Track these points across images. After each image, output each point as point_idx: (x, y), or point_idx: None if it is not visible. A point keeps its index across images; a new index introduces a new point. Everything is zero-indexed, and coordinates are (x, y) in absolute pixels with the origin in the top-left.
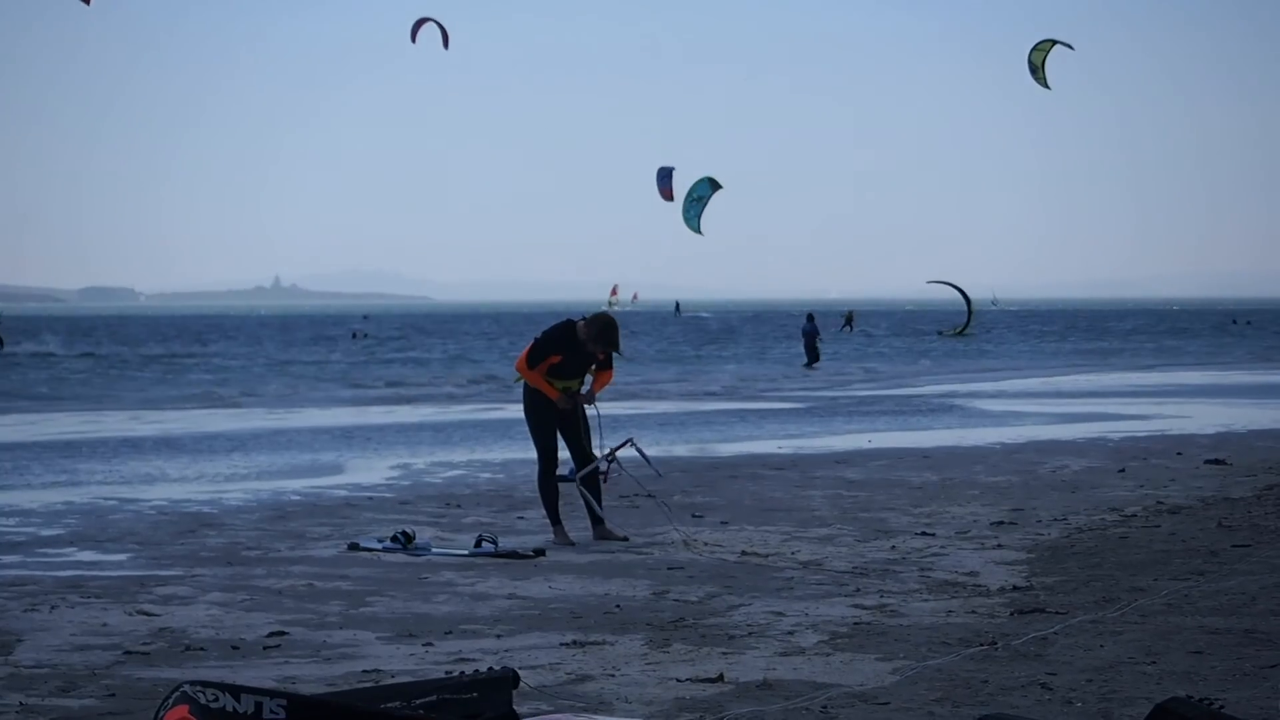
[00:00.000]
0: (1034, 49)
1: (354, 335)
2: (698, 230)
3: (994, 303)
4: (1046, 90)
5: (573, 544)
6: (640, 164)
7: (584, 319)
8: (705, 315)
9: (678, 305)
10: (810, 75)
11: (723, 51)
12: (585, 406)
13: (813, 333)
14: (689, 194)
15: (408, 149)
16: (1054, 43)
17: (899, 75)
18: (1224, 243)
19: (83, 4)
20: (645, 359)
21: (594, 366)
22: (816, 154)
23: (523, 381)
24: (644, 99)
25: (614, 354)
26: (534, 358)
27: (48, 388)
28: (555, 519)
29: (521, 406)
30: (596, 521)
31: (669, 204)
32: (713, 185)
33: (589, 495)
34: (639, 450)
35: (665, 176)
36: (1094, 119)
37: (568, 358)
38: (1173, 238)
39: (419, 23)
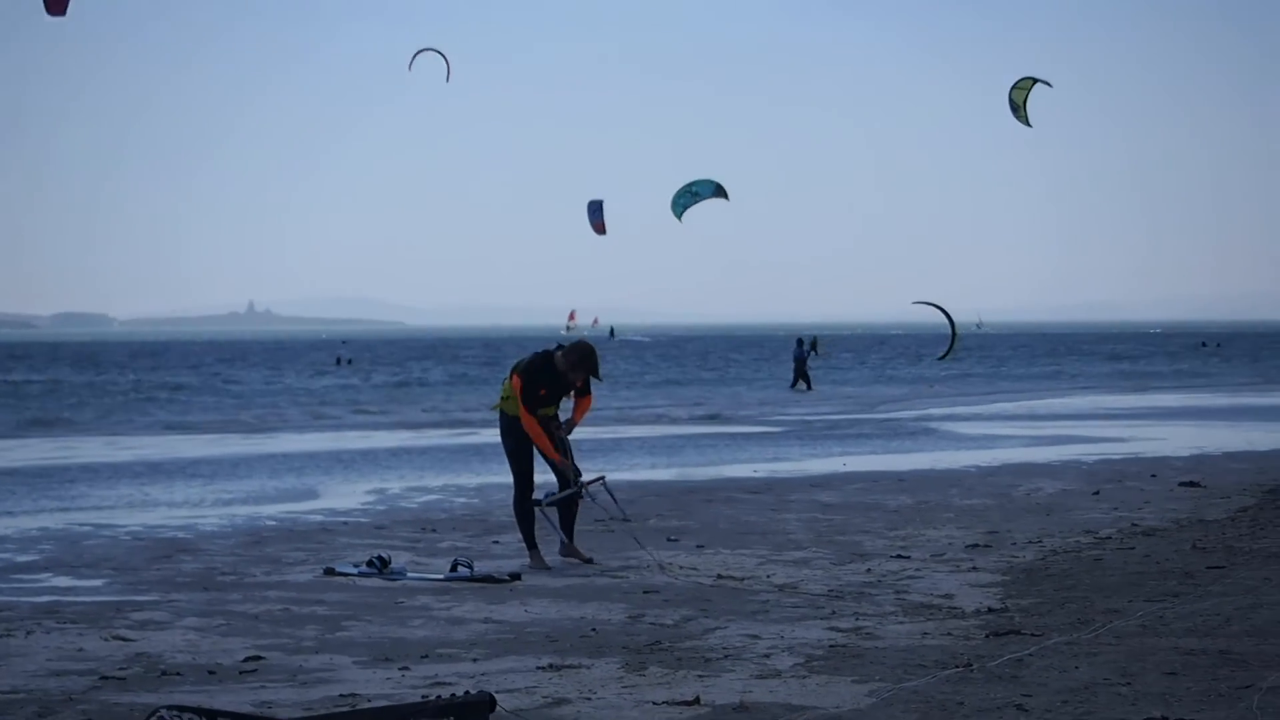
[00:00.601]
0: (1014, 87)
1: (338, 361)
2: (678, 217)
3: (979, 326)
4: (1028, 128)
5: (549, 568)
6: (619, 186)
7: (560, 348)
8: (642, 339)
9: (612, 330)
10: (780, 93)
11: (697, 73)
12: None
13: (802, 357)
14: (688, 185)
15: (382, 175)
16: (1034, 81)
17: (870, 95)
18: (1192, 268)
19: (51, 16)
20: (640, 384)
21: (573, 392)
22: (789, 174)
23: (499, 409)
24: (618, 119)
25: (592, 379)
26: (529, 400)
27: (63, 414)
28: (531, 543)
29: (499, 431)
30: (567, 535)
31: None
32: (717, 190)
33: (551, 518)
34: (608, 491)
35: (596, 210)
36: (1067, 148)
37: (550, 388)
38: (1147, 264)
39: (419, 53)
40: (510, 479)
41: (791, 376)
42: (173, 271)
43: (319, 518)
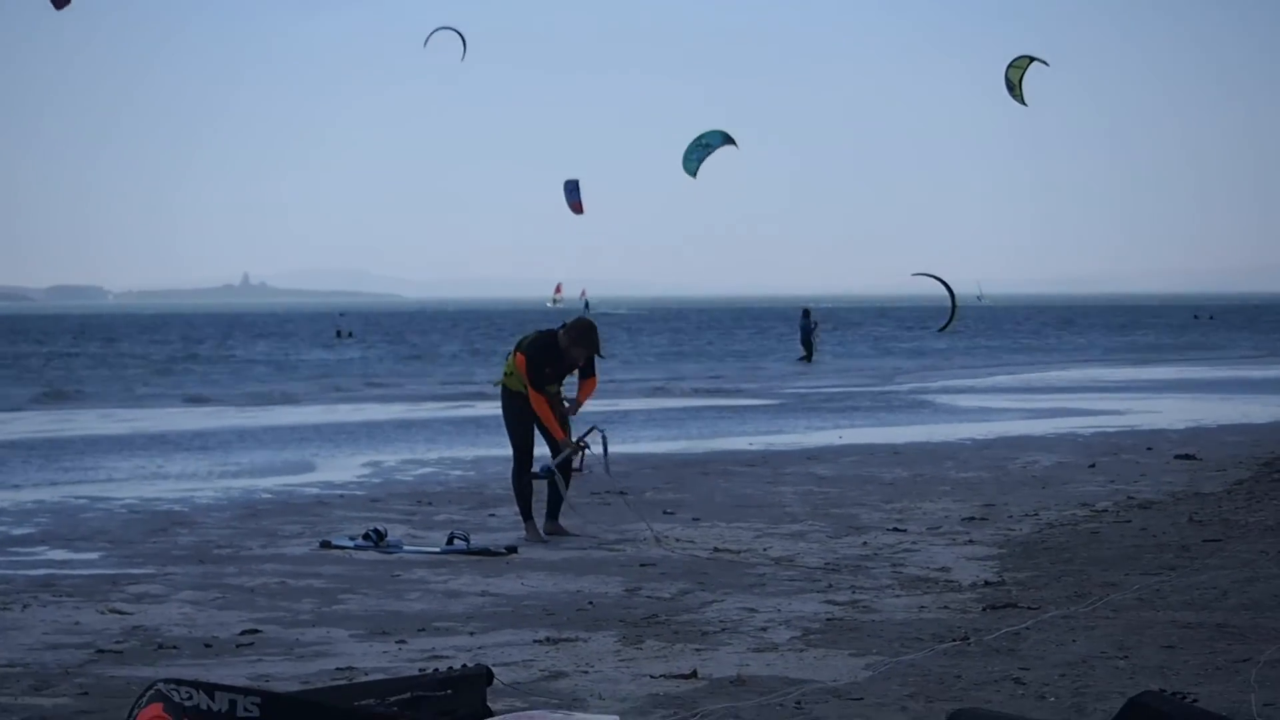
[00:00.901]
0: (1010, 66)
1: (338, 334)
2: (693, 174)
3: (979, 298)
4: (1024, 107)
5: (544, 540)
6: (607, 161)
7: (564, 326)
8: (619, 311)
9: (586, 302)
10: (772, 67)
11: (688, 48)
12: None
13: (809, 328)
14: (697, 139)
15: (373, 147)
16: (1031, 59)
17: (859, 69)
18: (1191, 240)
19: (54, 8)
20: (647, 358)
21: (577, 373)
22: (783, 148)
23: (502, 384)
24: (605, 95)
25: (595, 357)
26: (535, 379)
27: (78, 387)
28: (527, 515)
29: (500, 405)
30: (552, 515)
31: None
32: (725, 139)
33: (562, 483)
34: (604, 438)
35: (573, 189)
36: (1066, 120)
37: (554, 367)
38: (1143, 235)
39: (435, 31)
40: (510, 452)
41: (802, 350)
42: (166, 244)
43: (314, 490)
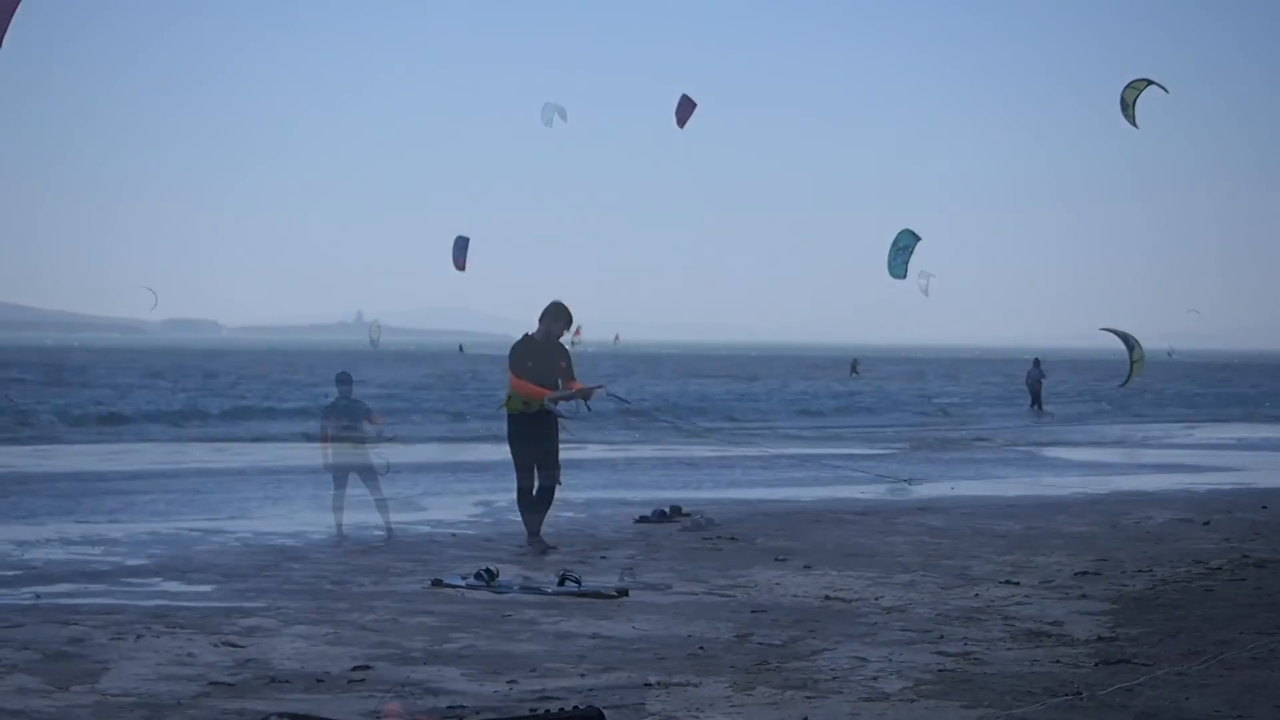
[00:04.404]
0: (1128, 86)
1: None
2: (902, 276)
3: (1170, 354)
4: (1135, 128)
5: (552, 548)
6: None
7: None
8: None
9: (617, 336)
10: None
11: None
12: (560, 430)
13: (1038, 378)
14: (894, 243)
15: (480, 184)
16: (1148, 82)
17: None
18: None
19: None
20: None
21: (560, 381)
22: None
23: (505, 411)
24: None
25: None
26: (516, 367)
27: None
28: (532, 530)
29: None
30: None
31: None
32: (914, 236)
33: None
34: (611, 395)
35: (462, 248)
36: (1183, 161)
37: (537, 362)
38: (1228, 292)
39: (689, 108)
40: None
41: (1031, 399)
42: (281, 280)
43: (426, 529)
